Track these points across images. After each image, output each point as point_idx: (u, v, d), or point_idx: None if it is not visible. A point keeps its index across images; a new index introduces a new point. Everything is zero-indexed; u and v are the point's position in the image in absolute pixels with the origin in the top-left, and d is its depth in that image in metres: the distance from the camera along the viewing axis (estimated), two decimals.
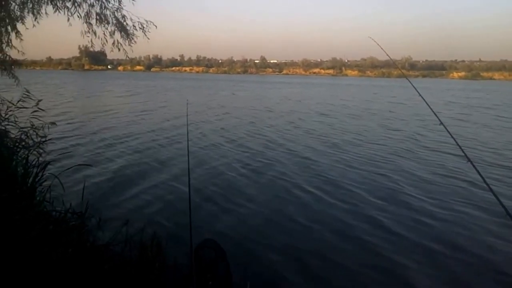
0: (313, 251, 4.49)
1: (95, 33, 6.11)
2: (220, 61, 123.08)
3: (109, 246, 3.46)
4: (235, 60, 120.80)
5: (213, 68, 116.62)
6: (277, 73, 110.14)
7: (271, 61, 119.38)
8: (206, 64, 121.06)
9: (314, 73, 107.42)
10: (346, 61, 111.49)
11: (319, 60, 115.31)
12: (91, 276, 2.77)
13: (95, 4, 5.96)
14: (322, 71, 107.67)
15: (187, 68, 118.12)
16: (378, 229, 5.11)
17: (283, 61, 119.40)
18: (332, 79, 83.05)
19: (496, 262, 4.27)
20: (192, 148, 9.80)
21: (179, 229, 4.76)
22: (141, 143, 10.73)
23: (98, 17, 6.02)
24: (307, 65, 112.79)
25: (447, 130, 3.26)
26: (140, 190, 6.58)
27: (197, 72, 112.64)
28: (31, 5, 6.17)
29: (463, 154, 2.70)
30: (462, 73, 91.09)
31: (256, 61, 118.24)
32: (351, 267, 4.15)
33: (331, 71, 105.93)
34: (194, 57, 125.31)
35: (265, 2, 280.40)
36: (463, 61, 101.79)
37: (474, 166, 2.56)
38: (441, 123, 3.39)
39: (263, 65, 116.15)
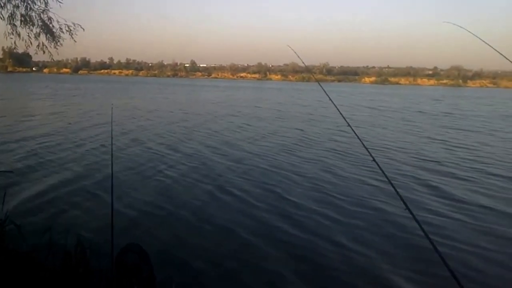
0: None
1: (19, 35, 5.96)
2: (150, 64, 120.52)
3: (31, 254, 3.35)
4: (165, 63, 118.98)
5: (143, 71, 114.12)
6: (206, 76, 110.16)
7: (201, 65, 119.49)
8: (136, 67, 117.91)
9: (241, 77, 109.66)
10: (270, 66, 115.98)
11: (246, 65, 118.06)
12: (12, 286, 2.67)
13: (20, 5, 5.78)
14: (249, 75, 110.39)
15: (116, 71, 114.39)
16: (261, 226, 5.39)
17: (212, 65, 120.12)
18: (257, 83, 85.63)
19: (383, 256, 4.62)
20: (95, 152, 9.88)
21: (102, 234, 4.61)
22: (58, 145, 10.39)
23: (22, 19, 5.84)
24: (235, 70, 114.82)
25: (354, 131, 3.53)
26: (61, 194, 6.40)
27: (126, 75, 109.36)
28: None
29: (367, 153, 2.98)
30: (373, 78, 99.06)
31: (186, 65, 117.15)
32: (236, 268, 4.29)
33: (256, 75, 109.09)
34: (123, 60, 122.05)
35: (196, 8, 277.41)
36: (374, 67, 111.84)
37: (377, 163, 2.75)
38: (348, 125, 3.71)
39: (193, 69, 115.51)
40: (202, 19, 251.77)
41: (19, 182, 6.91)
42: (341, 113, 3.84)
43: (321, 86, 4.27)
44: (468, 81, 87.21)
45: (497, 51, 3.47)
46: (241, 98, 34.77)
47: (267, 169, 8.61)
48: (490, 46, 3.60)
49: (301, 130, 15.08)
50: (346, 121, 3.67)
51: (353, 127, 3.60)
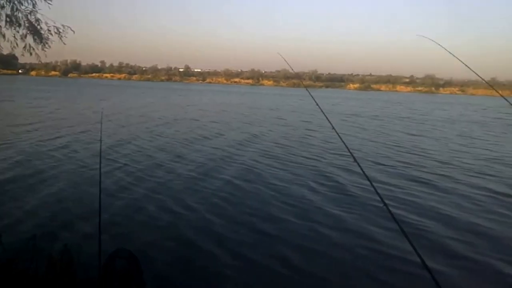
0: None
1: (4, 36, 5.68)
2: (144, 68, 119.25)
3: (11, 263, 3.22)
4: (159, 67, 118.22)
5: (136, 75, 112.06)
6: (200, 81, 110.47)
7: (195, 70, 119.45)
8: (129, 71, 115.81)
9: (235, 82, 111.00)
10: (263, 72, 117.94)
11: (239, 70, 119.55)
12: None
13: (5, 5, 5.58)
14: (242, 80, 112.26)
15: (108, 75, 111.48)
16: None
17: (206, 70, 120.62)
18: (250, 88, 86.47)
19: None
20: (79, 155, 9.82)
21: (90, 241, 4.48)
22: (36, 151, 10.27)
23: (8, 19, 5.62)
24: (229, 75, 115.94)
25: (337, 134, 3.62)
26: (43, 201, 6.21)
27: (119, 79, 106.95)
28: None
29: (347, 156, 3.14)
30: (357, 85, 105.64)
31: (180, 70, 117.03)
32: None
33: (250, 81, 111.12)
34: (116, 64, 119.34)
35: (191, 15, 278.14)
36: (358, 74, 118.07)
37: (359, 164, 2.86)
38: (333, 128, 3.91)
39: (187, 74, 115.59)
40: (197, 25, 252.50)
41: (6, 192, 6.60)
42: (326, 117, 3.82)
43: (309, 92, 4.46)
44: (440, 88, 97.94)
45: (464, 63, 3.91)
46: (220, 102, 34.79)
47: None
48: (458, 59, 4.04)
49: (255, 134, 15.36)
50: (331, 124, 3.54)
51: (338, 132, 3.60)
